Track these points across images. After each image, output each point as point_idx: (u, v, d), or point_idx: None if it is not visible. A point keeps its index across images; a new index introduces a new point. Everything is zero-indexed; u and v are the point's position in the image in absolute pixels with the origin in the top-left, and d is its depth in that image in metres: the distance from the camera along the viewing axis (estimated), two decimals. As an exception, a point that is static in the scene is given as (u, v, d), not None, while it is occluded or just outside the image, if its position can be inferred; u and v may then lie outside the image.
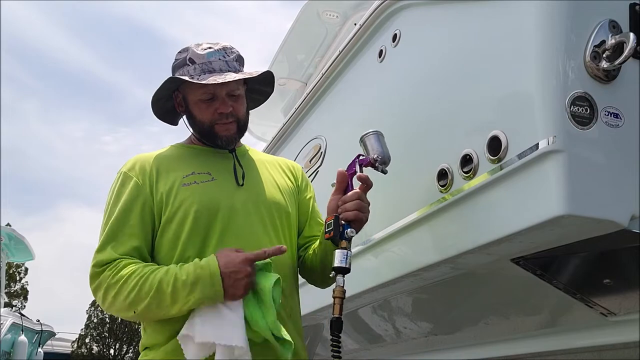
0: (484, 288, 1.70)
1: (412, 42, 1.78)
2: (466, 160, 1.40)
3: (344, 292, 1.36)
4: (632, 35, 1.18)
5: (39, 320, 12.07)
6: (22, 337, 10.39)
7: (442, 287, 1.70)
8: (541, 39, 1.23)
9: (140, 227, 1.44)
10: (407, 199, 1.67)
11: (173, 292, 1.32)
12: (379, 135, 1.51)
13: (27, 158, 39.11)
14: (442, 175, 1.49)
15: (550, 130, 1.17)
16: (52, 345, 16.30)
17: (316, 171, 2.37)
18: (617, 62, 1.18)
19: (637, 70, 1.26)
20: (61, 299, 37.80)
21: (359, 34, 2.09)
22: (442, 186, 1.48)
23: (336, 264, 1.37)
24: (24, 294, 23.92)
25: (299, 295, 1.59)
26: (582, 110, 1.19)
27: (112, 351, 22.29)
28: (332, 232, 1.40)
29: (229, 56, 1.55)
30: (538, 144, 1.19)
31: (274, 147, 3.05)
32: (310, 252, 1.58)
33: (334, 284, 1.39)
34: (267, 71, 1.62)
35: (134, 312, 1.36)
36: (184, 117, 1.60)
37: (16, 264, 22.36)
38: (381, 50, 1.94)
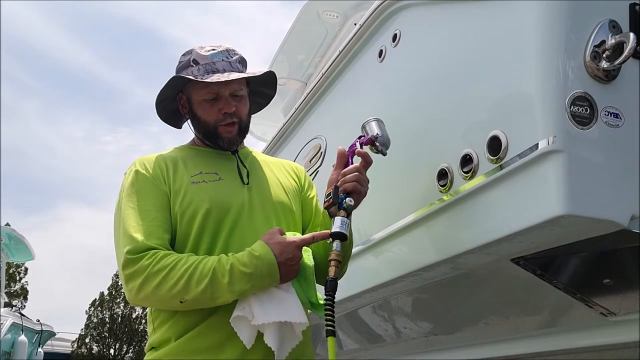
0: (484, 288, 1.70)
1: (412, 42, 1.78)
2: (466, 160, 1.40)
3: (340, 256, 1.38)
4: (632, 35, 1.18)
5: (39, 320, 12.08)
6: (22, 337, 10.40)
7: (442, 287, 1.70)
8: (541, 39, 1.23)
9: (164, 219, 1.44)
10: (407, 199, 1.67)
11: (230, 282, 1.33)
12: (379, 121, 1.55)
13: (27, 158, 39.10)
14: (442, 175, 1.49)
15: (550, 130, 1.17)
16: (52, 345, 16.32)
17: (316, 171, 2.37)
18: (617, 62, 1.18)
19: (637, 70, 1.26)
20: (61, 299, 37.80)
21: (359, 34, 2.09)
22: (442, 186, 1.48)
23: (334, 229, 1.39)
24: (24, 294, 23.91)
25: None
26: (582, 110, 1.19)
27: (112, 351, 22.28)
28: (331, 199, 1.44)
29: (232, 57, 1.57)
30: (538, 144, 1.19)
31: (274, 147, 3.06)
32: (313, 246, 1.58)
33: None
34: (270, 71, 1.63)
35: (181, 302, 1.35)
36: (188, 119, 1.61)
37: (16, 264, 22.36)
38: (381, 50, 1.94)
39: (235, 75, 1.51)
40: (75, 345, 21.86)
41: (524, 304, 1.67)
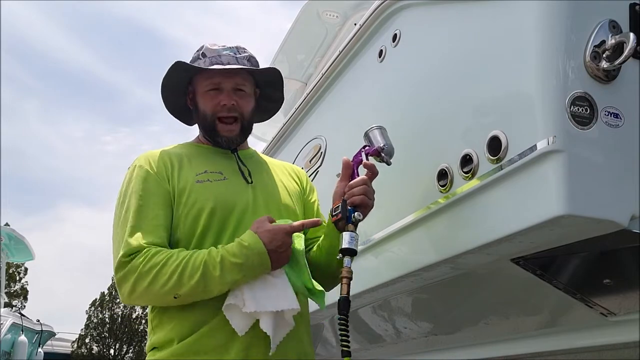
0: (484, 288, 1.70)
1: (412, 42, 1.78)
2: (466, 160, 1.40)
3: (351, 272, 1.37)
4: (632, 35, 1.18)
5: (39, 320, 12.07)
6: (22, 337, 10.39)
7: (442, 287, 1.70)
8: (541, 39, 1.23)
9: (163, 217, 1.44)
10: (407, 199, 1.67)
11: (222, 274, 1.34)
12: (382, 129, 1.54)
13: (27, 158, 39.09)
14: (442, 175, 1.49)
15: (550, 130, 1.17)
16: (52, 345, 16.30)
17: (316, 171, 2.37)
18: (617, 62, 1.18)
19: (637, 70, 1.26)
20: (61, 299, 37.77)
21: (359, 34, 2.09)
22: (442, 186, 1.48)
23: (344, 245, 1.38)
24: (24, 294, 23.91)
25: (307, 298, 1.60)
26: (582, 110, 1.19)
27: (112, 351, 22.28)
28: (339, 214, 1.42)
29: (240, 54, 1.58)
30: (538, 144, 1.19)
31: (274, 147, 3.06)
32: (315, 248, 1.59)
33: (343, 265, 1.39)
34: (274, 68, 1.63)
35: (175, 297, 1.36)
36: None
37: (16, 264, 22.35)
38: (381, 50, 1.94)
39: (233, 66, 1.52)
40: (75, 345, 21.86)
41: (524, 304, 1.67)
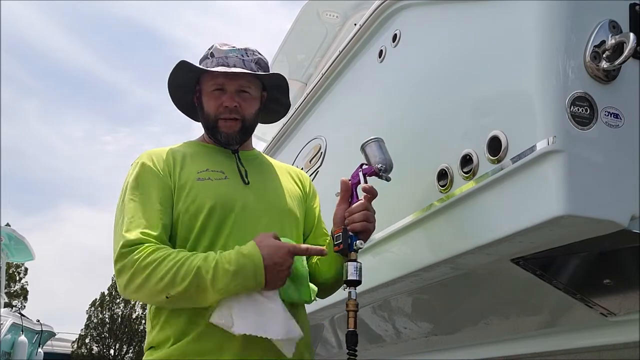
0: (484, 288, 1.70)
1: (412, 42, 1.78)
2: (466, 160, 1.40)
3: (357, 305, 1.37)
4: (632, 35, 1.18)
5: (39, 320, 12.08)
6: (22, 337, 10.40)
7: (442, 287, 1.70)
8: (541, 39, 1.23)
9: (163, 213, 1.44)
10: (407, 199, 1.67)
11: (213, 280, 1.31)
12: (380, 142, 1.50)
13: (27, 158, 39.07)
14: (442, 175, 1.49)
15: (550, 130, 1.17)
16: (52, 345, 16.32)
17: (316, 171, 2.37)
18: (617, 62, 1.18)
19: (637, 70, 1.26)
20: (61, 299, 37.75)
21: (359, 34, 2.09)
22: (442, 186, 1.48)
23: (348, 277, 1.38)
24: (24, 294, 23.90)
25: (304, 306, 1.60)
26: (582, 110, 1.19)
27: (112, 351, 22.27)
28: (341, 244, 1.41)
29: (248, 56, 1.58)
30: (538, 144, 1.19)
31: (274, 147, 3.06)
32: (314, 260, 1.59)
33: (348, 296, 1.39)
34: (279, 74, 1.62)
35: (166, 297, 1.34)
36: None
37: (16, 264, 22.35)
38: (381, 50, 1.94)
39: (236, 70, 1.52)
40: (75, 345, 21.85)
41: (524, 304, 1.67)
